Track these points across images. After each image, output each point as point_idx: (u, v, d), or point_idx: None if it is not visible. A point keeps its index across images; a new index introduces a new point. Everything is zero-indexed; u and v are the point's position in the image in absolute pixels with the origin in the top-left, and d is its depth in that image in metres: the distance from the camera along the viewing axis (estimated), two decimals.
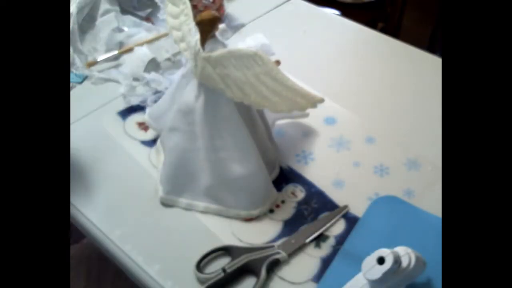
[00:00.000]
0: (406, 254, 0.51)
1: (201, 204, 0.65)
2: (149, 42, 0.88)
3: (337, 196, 0.66)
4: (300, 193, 0.67)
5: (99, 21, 0.91)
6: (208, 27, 0.59)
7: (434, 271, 0.54)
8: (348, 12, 1.45)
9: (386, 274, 0.50)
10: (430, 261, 0.53)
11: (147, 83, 0.82)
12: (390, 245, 0.52)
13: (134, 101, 0.80)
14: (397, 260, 0.50)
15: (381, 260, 0.50)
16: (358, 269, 0.52)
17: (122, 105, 0.80)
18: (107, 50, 0.89)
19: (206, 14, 0.58)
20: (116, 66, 0.86)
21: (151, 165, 0.71)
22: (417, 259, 0.51)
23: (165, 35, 0.89)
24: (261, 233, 0.62)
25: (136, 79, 0.83)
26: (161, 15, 0.95)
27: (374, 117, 0.78)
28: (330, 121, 0.77)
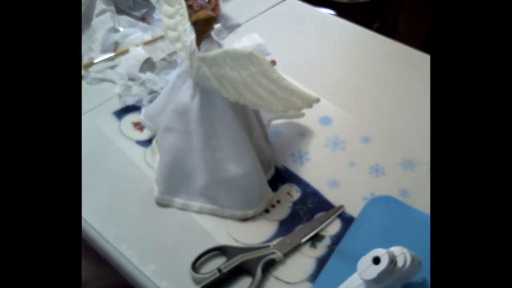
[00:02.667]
0: (402, 254, 0.51)
1: (197, 204, 0.65)
2: (145, 44, 0.88)
3: (332, 196, 0.66)
4: (296, 193, 0.67)
5: (95, 21, 0.91)
6: (203, 27, 0.59)
7: (429, 271, 0.54)
8: (343, 12, 1.45)
9: (381, 274, 0.50)
10: (425, 261, 0.53)
11: (142, 83, 0.82)
12: (385, 245, 0.52)
13: (130, 101, 0.80)
14: (392, 260, 0.50)
15: (376, 260, 0.50)
16: (353, 269, 0.52)
17: (117, 105, 0.80)
18: (103, 50, 0.88)
19: (201, 14, 0.58)
20: (112, 66, 0.86)
21: (147, 165, 0.71)
22: (413, 259, 0.51)
23: (161, 37, 0.89)
24: (257, 233, 0.62)
25: (131, 79, 0.83)
26: (156, 15, 0.95)
27: (369, 117, 0.78)
28: (325, 121, 0.77)
